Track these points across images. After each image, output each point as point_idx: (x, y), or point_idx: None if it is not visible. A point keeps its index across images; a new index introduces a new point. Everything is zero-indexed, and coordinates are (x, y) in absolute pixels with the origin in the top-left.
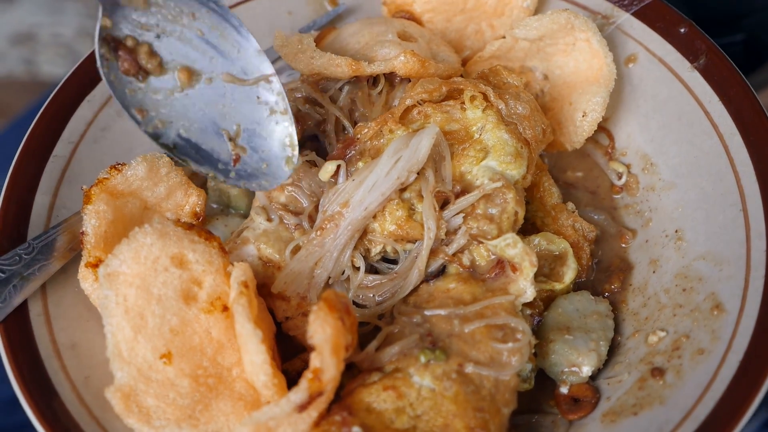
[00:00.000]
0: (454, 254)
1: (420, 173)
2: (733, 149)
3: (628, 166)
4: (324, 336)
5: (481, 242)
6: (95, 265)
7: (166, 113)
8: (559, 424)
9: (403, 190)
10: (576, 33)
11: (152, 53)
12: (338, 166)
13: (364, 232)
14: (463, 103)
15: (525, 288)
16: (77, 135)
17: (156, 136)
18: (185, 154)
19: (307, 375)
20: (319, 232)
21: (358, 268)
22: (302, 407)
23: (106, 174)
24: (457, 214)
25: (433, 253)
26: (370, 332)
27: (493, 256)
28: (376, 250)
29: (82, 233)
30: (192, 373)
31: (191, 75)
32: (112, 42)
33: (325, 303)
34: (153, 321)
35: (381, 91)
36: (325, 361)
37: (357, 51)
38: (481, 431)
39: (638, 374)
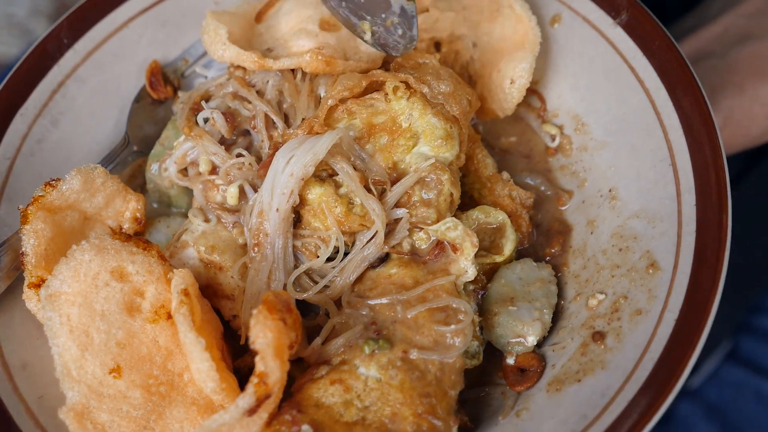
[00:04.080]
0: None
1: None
2: (659, 104)
3: (560, 128)
4: (265, 340)
5: (422, 228)
6: (38, 285)
7: None
8: (507, 395)
9: (339, 186)
10: None
11: None
12: (240, 186)
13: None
14: (387, 94)
15: (466, 267)
16: (13, 150)
17: None
18: None
19: (253, 380)
20: (256, 249)
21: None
22: (251, 411)
23: (41, 191)
24: (400, 206)
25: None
26: (317, 324)
27: (433, 238)
28: (326, 247)
29: (22, 254)
30: (143, 383)
31: None
32: None
33: (264, 306)
34: (99, 337)
35: (304, 78)
36: (269, 364)
37: (282, 35)
38: (428, 416)
39: (581, 339)
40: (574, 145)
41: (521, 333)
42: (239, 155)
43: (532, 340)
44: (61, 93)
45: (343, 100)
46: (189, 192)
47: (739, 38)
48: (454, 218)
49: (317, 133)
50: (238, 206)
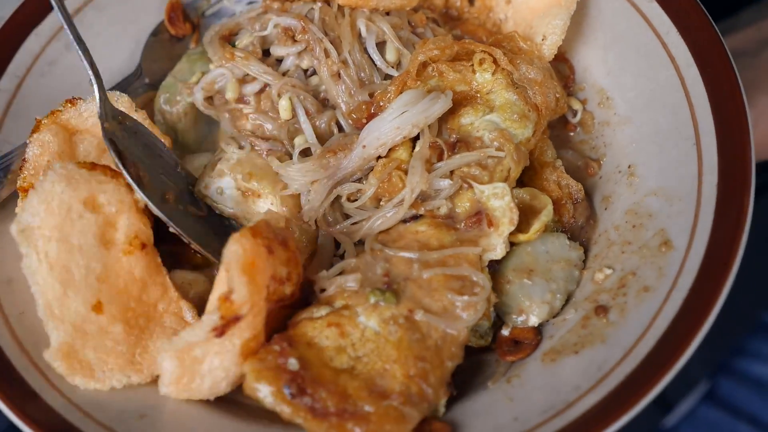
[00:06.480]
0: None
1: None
2: (689, 81)
3: (583, 102)
4: (233, 255)
5: (471, 185)
6: (26, 190)
7: None
8: (501, 363)
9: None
10: None
11: None
12: (290, 99)
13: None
14: (473, 65)
15: (496, 245)
16: (23, 68)
17: None
18: None
19: (219, 296)
20: (342, 154)
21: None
22: (218, 331)
23: (60, 107)
24: (444, 176)
25: (412, 205)
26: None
27: (469, 204)
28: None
29: (24, 161)
30: (123, 317)
31: None
32: None
33: (250, 229)
34: (79, 272)
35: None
36: (233, 280)
37: None
38: (420, 380)
39: (583, 312)
40: (596, 120)
41: (526, 310)
42: (286, 75)
43: (534, 321)
44: (78, 18)
45: (433, 59)
46: (196, 127)
47: None
48: (506, 186)
49: (410, 88)
50: (267, 134)
